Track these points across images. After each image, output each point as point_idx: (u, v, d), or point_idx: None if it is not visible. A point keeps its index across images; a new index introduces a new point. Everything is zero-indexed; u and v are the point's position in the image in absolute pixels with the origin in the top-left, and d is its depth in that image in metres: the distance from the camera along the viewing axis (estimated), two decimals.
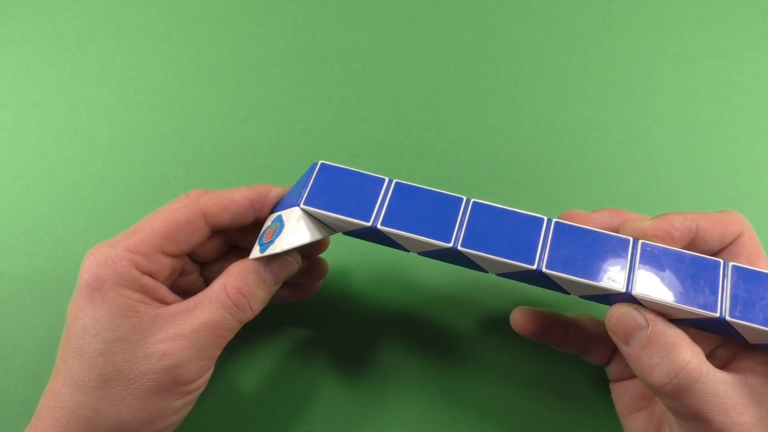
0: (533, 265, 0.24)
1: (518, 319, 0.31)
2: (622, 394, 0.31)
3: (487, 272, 0.27)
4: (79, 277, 0.27)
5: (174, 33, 0.43)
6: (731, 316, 0.23)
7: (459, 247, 0.25)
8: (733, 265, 0.24)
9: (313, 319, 0.35)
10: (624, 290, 0.24)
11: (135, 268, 0.27)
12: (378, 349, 0.34)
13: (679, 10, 0.44)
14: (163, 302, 0.28)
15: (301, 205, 0.27)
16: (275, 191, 0.29)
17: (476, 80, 0.42)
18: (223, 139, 0.40)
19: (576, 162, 0.39)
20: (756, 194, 0.38)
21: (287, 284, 0.33)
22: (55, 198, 0.38)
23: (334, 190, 0.27)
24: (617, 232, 0.26)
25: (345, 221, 0.26)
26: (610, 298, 0.25)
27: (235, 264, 0.28)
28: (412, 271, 0.36)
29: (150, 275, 0.27)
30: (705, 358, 0.24)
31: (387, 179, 0.27)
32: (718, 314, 0.23)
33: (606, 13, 0.44)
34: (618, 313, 0.25)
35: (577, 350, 0.31)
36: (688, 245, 0.26)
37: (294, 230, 0.27)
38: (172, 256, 0.28)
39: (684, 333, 0.24)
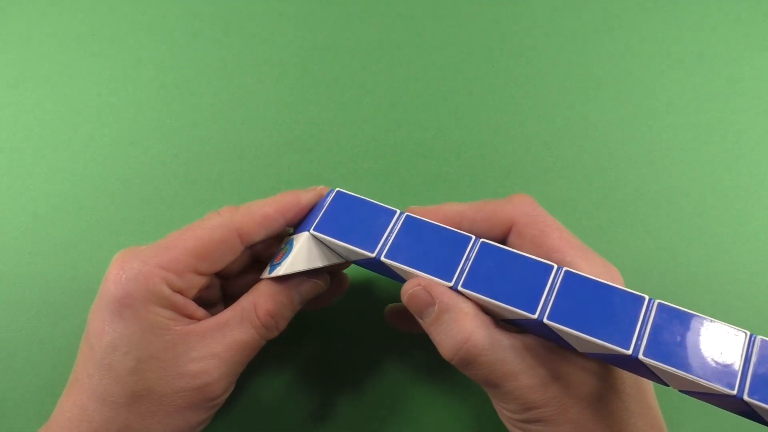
0: (534, 314, 0.23)
1: (388, 314, 0.33)
2: None
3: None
4: (105, 288, 0.26)
5: (174, 33, 0.43)
6: (549, 318, 0.23)
7: (460, 288, 0.25)
8: (565, 270, 0.24)
9: (322, 329, 0.35)
10: (452, 285, 0.25)
11: (167, 286, 0.26)
12: (386, 361, 0.34)
13: (679, 10, 0.44)
14: (192, 317, 0.27)
15: (312, 231, 0.27)
16: (305, 198, 0.29)
17: (476, 80, 0.42)
18: (223, 139, 0.40)
19: (576, 162, 0.39)
20: (756, 194, 0.38)
21: None
22: (55, 198, 0.38)
23: (346, 218, 0.27)
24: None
25: (351, 250, 0.26)
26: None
27: (263, 285, 0.28)
28: None
29: (180, 293, 0.27)
30: (493, 326, 0.25)
31: (398, 212, 0.27)
32: (536, 316, 0.23)
33: (606, 13, 0.44)
34: (410, 290, 0.26)
35: None
36: None
37: (298, 255, 0.27)
38: (204, 274, 0.28)
39: (472, 306, 0.25)
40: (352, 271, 0.35)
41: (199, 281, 0.28)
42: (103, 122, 0.40)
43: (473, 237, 0.26)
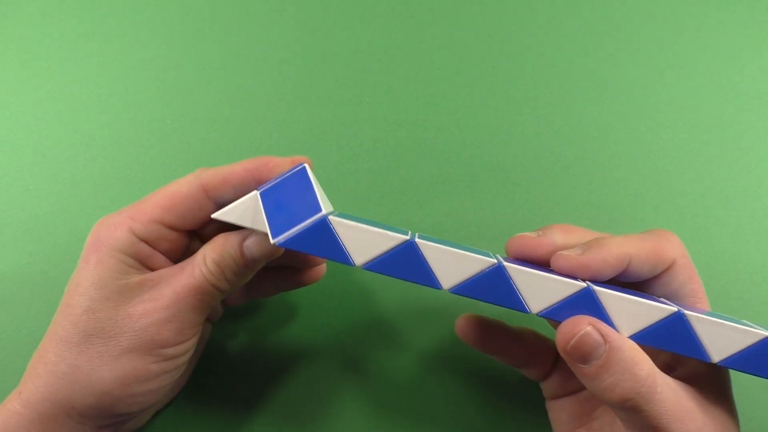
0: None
1: (462, 326, 0.31)
2: (560, 412, 0.31)
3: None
4: (86, 242, 0.28)
5: (174, 33, 0.43)
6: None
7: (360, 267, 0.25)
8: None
9: (313, 313, 0.35)
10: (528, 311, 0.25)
11: (132, 234, 0.28)
12: (377, 345, 0.34)
13: (679, 10, 0.44)
14: (158, 269, 0.29)
15: (259, 191, 0.27)
16: (275, 161, 0.29)
17: (476, 80, 0.42)
18: (223, 139, 0.40)
19: (576, 162, 0.39)
20: (756, 194, 0.38)
21: (288, 270, 0.33)
22: (55, 198, 0.38)
23: (289, 196, 0.26)
24: (550, 262, 0.26)
25: (262, 224, 0.26)
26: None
27: (218, 236, 0.29)
28: None
29: (147, 243, 0.28)
30: (657, 368, 0.24)
31: (322, 212, 0.25)
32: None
33: (606, 13, 0.44)
34: (579, 331, 0.24)
35: (517, 363, 0.32)
36: (618, 275, 0.26)
37: (235, 206, 0.27)
38: (174, 229, 0.29)
39: (636, 343, 0.24)
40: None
41: (169, 235, 0.29)
42: (103, 122, 0.40)
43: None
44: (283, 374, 0.34)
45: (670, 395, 0.24)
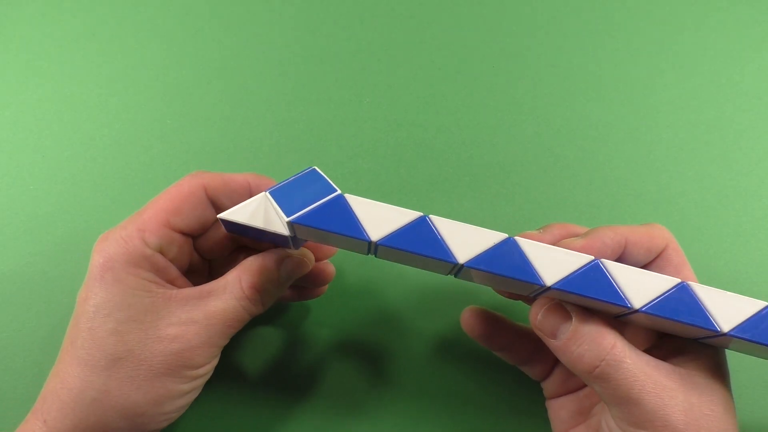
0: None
1: (467, 318, 0.31)
2: (560, 410, 0.31)
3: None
4: (90, 260, 0.27)
5: (174, 33, 0.43)
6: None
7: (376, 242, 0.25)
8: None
9: (317, 317, 0.35)
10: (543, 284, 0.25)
11: (146, 245, 0.27)
12: (380, 348, 0.34)
13: (679, 10, 0.44)
14: (174, 284, 0.28)
15: (268, 192, 0.27)
16: (272, 182, 0.29)
17: (476, 80, 0.42)
18: (223, 139, 0.40)
19: (576, 162, 0.39)
20: (756, 194, 0.38)
21: (293, 287, 0.33)
22: (55, 198, 0.38)
23: (300, 189, 0.26)
24: None
25: (276, 222, 0.26)
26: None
27: (251, 258, 0.28)
28: (416, 271, 0.36)
29: (161, 252, 0.27)
30: (628, 343, 0.25)
31: (338, 192, 0.26)
32: (628, 305, 0.24)
33: (606, 13, 0.44)
34: (543, 309, 0.26)
35: (519, 360, 0.32)
36: (617, 260, 0.27)
37: (243, 206, 0.27)
38: (181, 232, 0.28)
39: (602, 316, 0.26)
40: (349, 265, 0.35)
41: (177, 239, 0.28)
42: (103, 122, 0.40)
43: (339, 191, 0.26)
44: (287, 370, 0.34)
45: (643, 367, 0.24)
